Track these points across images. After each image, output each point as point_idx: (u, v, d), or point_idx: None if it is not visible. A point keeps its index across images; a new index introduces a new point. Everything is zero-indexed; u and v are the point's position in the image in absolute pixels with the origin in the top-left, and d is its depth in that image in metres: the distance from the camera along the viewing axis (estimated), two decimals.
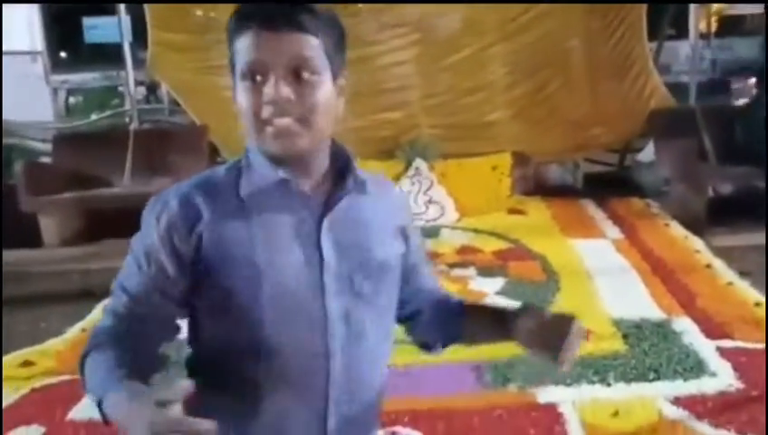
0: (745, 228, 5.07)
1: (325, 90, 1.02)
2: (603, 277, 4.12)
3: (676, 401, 2.77)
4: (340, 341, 1.06)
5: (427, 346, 1.30)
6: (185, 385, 0.84)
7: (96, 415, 0.95)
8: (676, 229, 5.02)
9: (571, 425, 2.62)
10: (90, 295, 3.86)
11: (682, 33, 8.37)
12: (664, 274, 4.13)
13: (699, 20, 10.25)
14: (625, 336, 3.30)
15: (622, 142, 6.47)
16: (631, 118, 6.02)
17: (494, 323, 1.19)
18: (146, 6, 5.89)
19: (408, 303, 1.25)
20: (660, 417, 2.68)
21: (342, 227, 1.07)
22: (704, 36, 11.82)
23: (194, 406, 0.84)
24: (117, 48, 6.73)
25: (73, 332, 3.66)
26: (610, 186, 6.16)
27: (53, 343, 3.54)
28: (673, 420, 2.66)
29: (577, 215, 5.58)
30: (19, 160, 5.78)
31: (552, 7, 6.05)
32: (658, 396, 2.81)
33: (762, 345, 3.23)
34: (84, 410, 2.72)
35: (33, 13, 12.94)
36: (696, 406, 2.74)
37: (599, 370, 2.97)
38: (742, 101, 5.95)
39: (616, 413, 2.71)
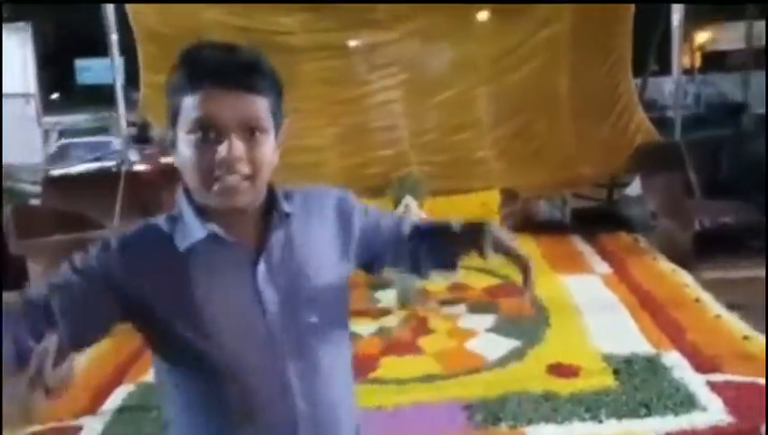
0: (732, 261, 5.12)
1: (270, 146, 1.06)
2: (593, 313, 4.13)
3: None
4: (297, 376, 1.09)
5: (417, 271, 1.33)
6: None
7: None
8: (664, 263, 5.05)
9: None
10: None
11: (666, 68, 8.52)
12: (653, 308, 4.14)
13: (683, 55, 10.48)
14: (615, 372, 3.29)
15: (609, 178, 6.54)
16: (617, 153, 6.09)
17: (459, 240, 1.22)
18: (139, 48, 5.97)
19: (385, 253, 1.29)
20: None
21: (278, 266, 1.09)
22: (688, 72, 12.04)
23: None
24: (109, 89, 6.78)
25: None
26: (598, 221, 6.21)
27: None
28: None
29: (566, 250, 5.61)
30: (9, 204, 5.79)
31: (538, 45, 6.16)
32: (650, 432, 2.80)
33: (751, 379, 3.24)
34: None
35: (27, 54, 13.05)
36: None
37: (590, 406, 2.96)
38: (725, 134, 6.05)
39: None
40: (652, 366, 3.35)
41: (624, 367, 3.33)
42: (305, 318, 1.10)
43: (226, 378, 1.06)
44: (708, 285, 4.50)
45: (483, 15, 6.32)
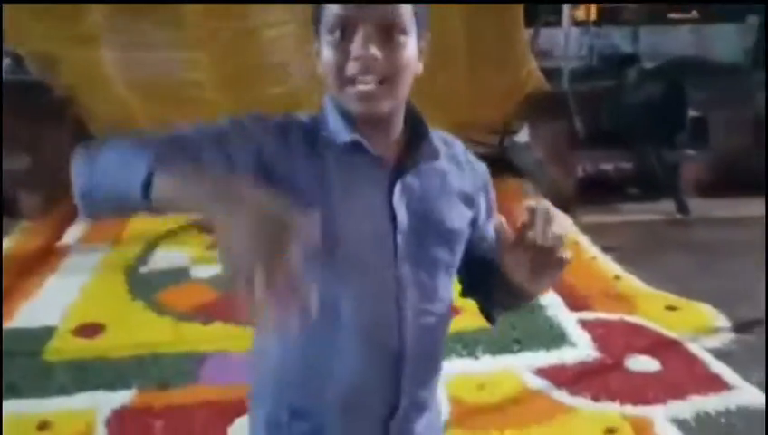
0: (611, 207, 5.37)
1: (410, 51, 1.00)
2: None
3: (539, 372, 2.90)
4: (411, 305, 1.04)
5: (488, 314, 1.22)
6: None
7: None
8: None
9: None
10: None
11: (562, 20, 8.67)
12: None
13: (576, 8, 10.71)
14: None
15: (501, 124, 6.65)
16: (508, 99, 6.19)
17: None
18: None
19: (470, 272, 1.15)
20: (523, 388, 2.79)
21: (414, 194, 1.04)
22: (582, 23, 12.33)
23: None
24: None
25: None
26: (490, 166, 6.30)
27: None
28: (534, 391, 2.78)
29: None
30: None
31: None
32: (522, 367, 2.92)
33: (619, 316, 3.43)
34: None
35: None
36: (557, 375, 2.87)
37: (468, 343, 3.05)
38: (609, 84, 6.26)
39: (482, 386, 2.79)
40: (529, 305, 3.45)
41: None
42: (433, 252, 1.05)
43: (344, 289, 1.01)
44: (586, 229, 4.70)
45: None
